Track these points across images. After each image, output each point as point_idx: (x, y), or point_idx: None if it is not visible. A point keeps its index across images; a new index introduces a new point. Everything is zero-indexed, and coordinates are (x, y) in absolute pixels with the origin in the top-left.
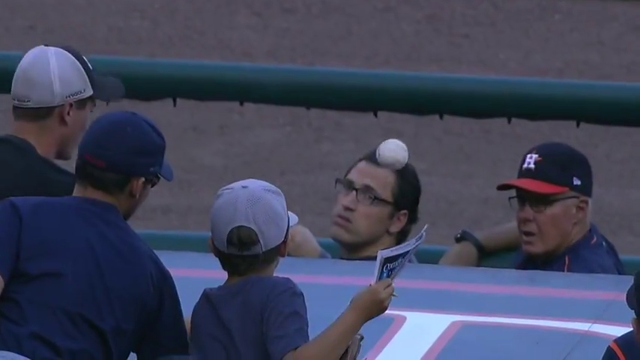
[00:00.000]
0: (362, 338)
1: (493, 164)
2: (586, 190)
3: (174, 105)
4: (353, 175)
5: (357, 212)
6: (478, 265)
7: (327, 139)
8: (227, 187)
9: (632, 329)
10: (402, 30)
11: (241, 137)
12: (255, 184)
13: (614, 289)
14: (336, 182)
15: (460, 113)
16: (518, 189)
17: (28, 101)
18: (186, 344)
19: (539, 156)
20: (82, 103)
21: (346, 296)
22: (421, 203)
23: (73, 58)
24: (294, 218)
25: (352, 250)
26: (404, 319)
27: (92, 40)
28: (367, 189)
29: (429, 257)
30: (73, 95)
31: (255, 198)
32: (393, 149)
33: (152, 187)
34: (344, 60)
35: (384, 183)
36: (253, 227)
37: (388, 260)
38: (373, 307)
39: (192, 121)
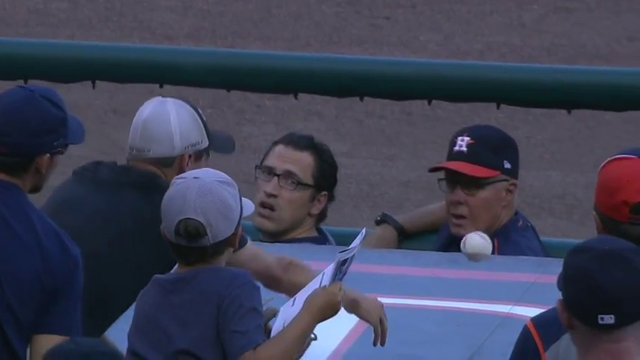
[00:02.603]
0: (315, 338)
1: (414, 146)
2: (515, 173)
3: (94, 87)
4: (272, 161)
5: (280, 198)
6: (399, 248)
7: (248, 122)
8: (180, 176)
9: (549, 309)
10: (323, 12)
11: None
12: (207, 175)
13: (535, 272)
14: (255, 169)
15: (381, 95)
16: (450, 172)
17: (149, 151)
18: (77, 327)
19: (471, 139)
20: (199, 155)
21: None
22: (343, 186)
23: (192, 109)
24: (249, 207)
25: (275, 236)
26: None
27: (11, 22)
28: (289, 174)
29: (349, 240)
30: (191, 146)
31: (205, 190)
32: (481, 243)
33: (61, 154)
34: (264, 42)
35: (304, 166)
36: (201, 220)
37: (342, 263)
38: (328, 309)
39: (112, 104)
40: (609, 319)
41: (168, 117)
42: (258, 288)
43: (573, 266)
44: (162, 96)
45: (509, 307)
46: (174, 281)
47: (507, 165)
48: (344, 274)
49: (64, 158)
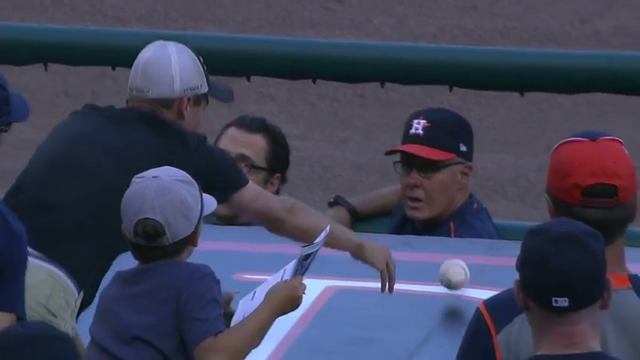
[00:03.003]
0: (237, 292)
1: (367, 129)
2: (470, 155)
3: (46, 70)
4: (226, 144)
5: None
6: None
7: None
8: (139, 175)
9: (501, 291)
10: None
11: (113, 102)
12: (167, 174)
13: (487, 254)
14: None
15: (334, 78)
16: (407, 154)
17: (148, 91)
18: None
19: (427, 122)
20: (197, 100)
21: (224, 261)
22: (295, 168)
23: (193, 55)
24: (211, 204)
25: (229, 219)
26: None
27: None
28: (243, 158)
29: None
30: (191, 90)
31: (164, 189)
32: (461, 272)
33: (5, 132)
34: (217, 25)
35: (258, 150)
36: (159, 219)
37: (305, 257)
38: (289, 303)
39: (64, 86)
40: (563, 301)
41: (169, 59)
42: (219, 281)
43: (530, 248)
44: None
45: (461, 289)
46: (135, 273)
47: (463, 148)
48: (306, 270)
49: (17, 141)
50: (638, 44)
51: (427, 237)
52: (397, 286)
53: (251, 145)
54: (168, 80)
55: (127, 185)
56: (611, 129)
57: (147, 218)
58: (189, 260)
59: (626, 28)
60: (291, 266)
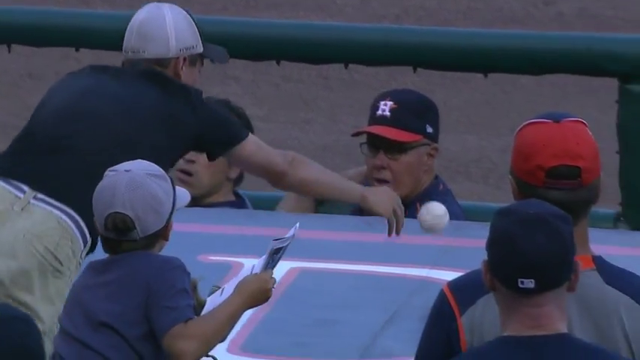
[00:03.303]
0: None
1: (331, 110)
2: (436, 137)
3: (9, 51)
4: None
5: (198, 164)
6: (315, 212)
7: None
8: (112, 168)
9: (465, 273)
10: None
11: None
12: (139, 168)
13: (452, 235)
14: None
15: (298, 59)
16: (373, 136)
17: (144, 52)
18: None
19: (394, 103)
20: (193, 60)
21: (189, 243)
22: None
23: (187, 15)
24: (184, 197)
25: (194, 201)
26: (241, 265)
27: None
28: None
29: (266, 204)
30: (186, 49)
31: (135, 184)
32: (440, 215)
33: None
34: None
35: None
36: (129, 214)
37: (275, 251)
38: (259, 295)
39: (27, 68)
40: (529, 283)
41: (163, 18)
42: (189, 273)
43: (498, 229)
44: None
45: (426, 270)
46: (105, 263)
47: (429, 129)
48: (276, 263)
49: None
50: (602, 26)
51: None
52: (361, 268)
53: None
54: (163, 40)
55: (138, 139)
56: (575, 110)
57: (117, 212)
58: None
59: (590, 9)
60: (262, 259)
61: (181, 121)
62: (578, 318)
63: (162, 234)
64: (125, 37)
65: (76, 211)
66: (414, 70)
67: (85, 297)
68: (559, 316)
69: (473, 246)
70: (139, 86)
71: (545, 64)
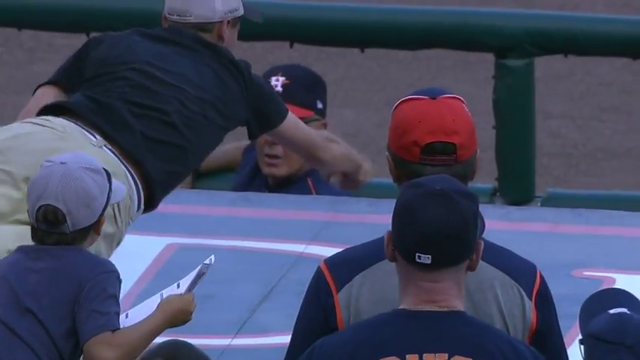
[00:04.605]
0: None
1: None
2: (325, 112)
3: None
4: None
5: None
6: (193, 187)
7: (40, 60)
8: (49, 159)
9: (343, 249)
10: None
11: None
12: (75, 161)
13: (329, 210)
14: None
15: None
16: None
17: (190, 16)
18: None
19: (286, 79)
20: (235, 22)
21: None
22: None
23: None
24: (121, 191)
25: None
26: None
27: None
28: None
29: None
30: (230, 12)
31: (69, 177)
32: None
33: None
34: None
35: None
36: (61, 207)
37: (200, 274)
38: (180, 316)
39: None
40: (426, 258)
41: None
42: (121, 280)
43: (401, 201)
44: None
45: (303, 246)
46: (38, 250)
47: (319, 105)
48: (194, 287)
49: None
50: (478, 0)
51: (267, 194)
52: (240, 244)
53: None
54: (210, 3)
55: (206, 122)
56: (451, 85)
57: (48, 205)
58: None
59: None
60: (188, 279)
61: (236, 101)
62: None
63: (94, 229)
64: (168, 0)
65: (138, 176)
66: (291, 45)
67: (13, 277)
68: (456, 293)
69: (351, 221)
70: (201, 67)
71: (421, 39)
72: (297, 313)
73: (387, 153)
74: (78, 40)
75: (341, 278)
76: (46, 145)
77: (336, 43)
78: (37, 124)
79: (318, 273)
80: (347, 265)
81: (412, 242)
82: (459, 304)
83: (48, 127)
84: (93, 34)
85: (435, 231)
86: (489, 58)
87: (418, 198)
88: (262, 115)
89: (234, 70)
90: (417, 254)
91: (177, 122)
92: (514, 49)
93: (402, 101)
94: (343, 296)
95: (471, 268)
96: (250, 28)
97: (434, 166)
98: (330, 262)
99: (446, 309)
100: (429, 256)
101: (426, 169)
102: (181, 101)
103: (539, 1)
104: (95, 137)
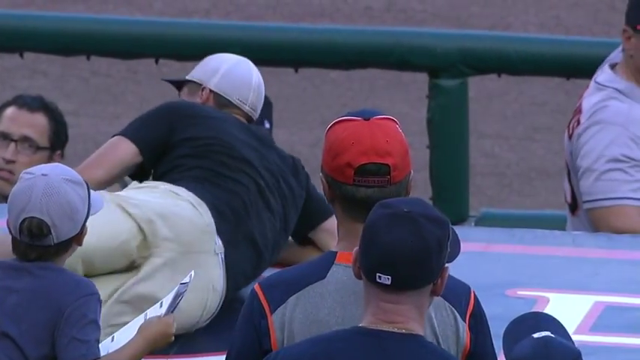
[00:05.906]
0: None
1: (140, 105)
2: (271, 132)
3: None
4: (7, 126)
5: (18, 163)
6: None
7: None
8: (29, 170)
9: (278, 271)
10: None
11: None
12: (56, 172)
13: None
14: None
15: (108, 54)
16: None
17: (257, 112)
18: None
19: None
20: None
21: None
22: (70, 145)
23: None
24: (99, 203)
25: None
26: None
27: None
28: (26, 139)
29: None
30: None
31: (51, 189)
32: None
33: None
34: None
35: (41, 130)
36: (46, 219)
37: (178, 295)
38: (160, 339)
39: None
40: (386, 279)
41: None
42: (101, 302)
43: (369, 220)
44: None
45: None
46: (17, 268)
47: (267, 125)
48: (174, 308)
49: None
50: (411, 20)
51: None
52: None
53: (34, 126)
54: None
55: (289, 225)
56: (385, 105)
57: (33, 217)
58: None
59: (399, 4)
60: (168, 300)
61: (300, 198)
62: None
63: (77, 239)
64: (241, 87)
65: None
66: None
67: None
68: (415, 316)
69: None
70: (280, 166)
71: (354, 59)
72: (232, 334)
73: (320, 174)
74: (11, 61)
75: (275, 300)
76: None
77: (269, 63)
78: None
79: (253, 294)
80: (281, 287)
81: (373, 262)
82: (418, 328)
83: None
84: (25, 53)
85: (395, 253)
86: (423, 78)
87: (384, 219)
88: (311, 210)
89: (295, 169)
90: (377, 274)
91: (267, 234)
92: (447, 69)
93: (335, 122)
94: (277, 318)
95: (435, 292)
96: (184, 49)
97: (367, 187)
98: (265, 283)
99: (404, 331)
100: (389, 277)
101: (360, 190)
102: (275, 218)
103: (470, 22)
104: (216, 244)
